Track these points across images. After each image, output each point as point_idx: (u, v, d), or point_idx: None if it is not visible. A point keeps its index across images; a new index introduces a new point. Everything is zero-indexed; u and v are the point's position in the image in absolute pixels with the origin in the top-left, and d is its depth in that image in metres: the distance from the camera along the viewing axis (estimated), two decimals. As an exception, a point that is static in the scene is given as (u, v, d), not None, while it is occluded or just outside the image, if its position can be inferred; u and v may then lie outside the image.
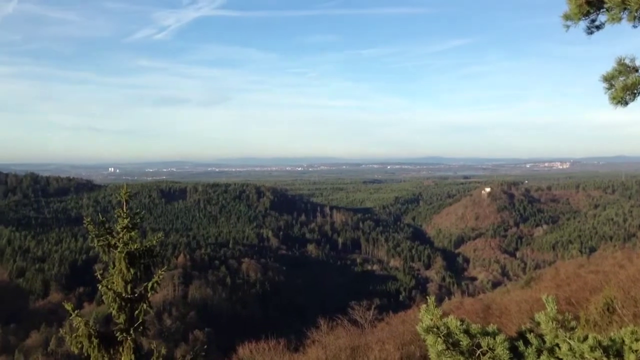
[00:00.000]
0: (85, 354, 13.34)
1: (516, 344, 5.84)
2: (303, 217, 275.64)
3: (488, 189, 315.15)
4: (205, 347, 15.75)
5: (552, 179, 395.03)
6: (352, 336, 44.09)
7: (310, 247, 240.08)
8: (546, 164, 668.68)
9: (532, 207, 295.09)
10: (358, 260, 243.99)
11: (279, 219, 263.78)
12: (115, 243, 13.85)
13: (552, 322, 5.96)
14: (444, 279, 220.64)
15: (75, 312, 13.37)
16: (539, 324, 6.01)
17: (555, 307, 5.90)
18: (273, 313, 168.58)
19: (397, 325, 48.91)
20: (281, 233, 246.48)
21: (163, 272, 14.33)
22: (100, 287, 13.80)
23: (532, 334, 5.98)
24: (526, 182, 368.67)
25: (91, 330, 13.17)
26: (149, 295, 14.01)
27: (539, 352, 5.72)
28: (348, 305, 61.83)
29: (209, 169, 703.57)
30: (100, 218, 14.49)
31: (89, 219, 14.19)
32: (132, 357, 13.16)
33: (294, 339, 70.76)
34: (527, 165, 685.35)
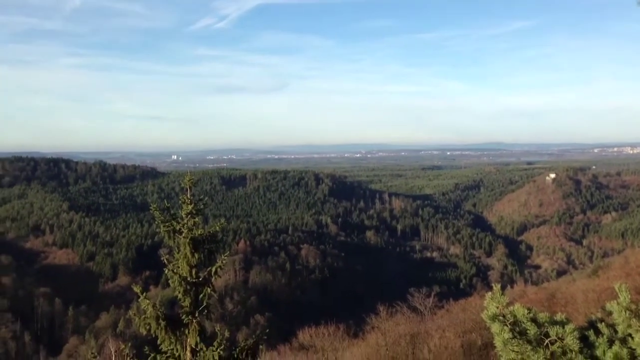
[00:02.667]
0: (153, 335, 13.80)
1: (586, 333, 5.66)
2: (362, 204, 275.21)
3: (553, 175, 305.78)
4: (267, 330, 15.99)
5: (622, 165, 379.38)
6: (412, 323, 43.87)
7: (369, 234, 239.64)
8: (615, 149, 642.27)
9: (600, 194, 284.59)
10: (417, 247, 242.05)
11: (338, 206, 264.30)
12: (180, 229, 14.22)
13: (625, 312, 5.75)
14: (505, 266, 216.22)
15: (143, 294, 13.82)
16: (610, 313, 5.80)
17: (629, 296, 5.68)
18: (332, 299, 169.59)
19: (458, 313, 48.32)
20: (340, 220, 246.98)
21: (226, 257, 14.62)
22: (166, 271, 14.20)
23: (603, 323, 5.78)
24: (594, 167, 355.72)
25: (158, 312, 13.60)
26: (212, 279, 14.34)
27: (611, 342, 5.53)
28: (407, 292, 61.54)
29: (268, 156, 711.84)
30: (166, 204, 14.90)
31: (155, 206, 14.60)
32: (198, 339, 13.52)
33: (353, 325, 71.04)
34: (595, 150, 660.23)
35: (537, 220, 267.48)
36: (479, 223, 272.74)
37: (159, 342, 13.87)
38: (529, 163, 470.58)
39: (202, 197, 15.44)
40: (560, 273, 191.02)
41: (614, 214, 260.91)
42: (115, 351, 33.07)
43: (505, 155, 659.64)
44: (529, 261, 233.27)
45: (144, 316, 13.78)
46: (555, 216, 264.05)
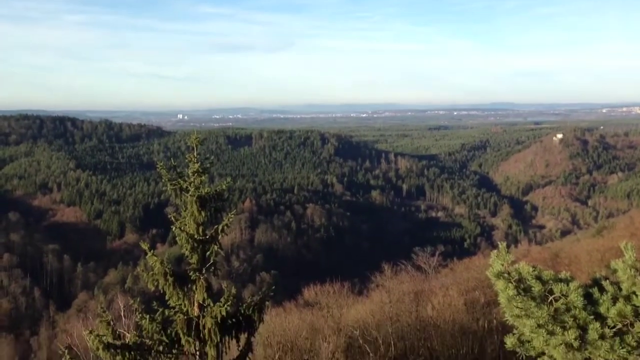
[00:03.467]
0: (161, 291, 14.03)
1: (590, 291, 5.71)
2: (367, 164, 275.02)
3: (560, 135, 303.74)
4: (273, 287, 16.20)
5: (630, 125, 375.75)
6: (416, 281, 44.23)
7: (375, 194, 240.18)
8: (624, 109, 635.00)
9: (607, 154, 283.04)
10: (422, 207, 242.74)
11: (344, 166, 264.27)
12: (186, 187, 14.29)
13: (630, 270, 5.78)
14: (510, 226, 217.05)
15: (151, 251, 13.99)
16: (615, 271, 5.84)
17: (634, 254, 5.70)
18: (337, 257, 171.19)
19: (462, 272, 48.74)
20: (345, 179, 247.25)
21: (232, 216, 14.72)
22: (173, 229, 14.34)
23: (607, 281, 5.82)
24: (601, 128, 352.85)
25: (166, 269, 13.79)
26: (219, 237, 14.47)
27: (615, 299, 5.58)
28: (412, 251, 61.91)
29: (273, 116, 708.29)
30: (172, 163, 14.94)
31: (162, 164, 14.64)
32: (205, 295, 13.74)
33: (358, 283, 71.81)
34: (603, 111, 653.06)
35: (543, 181, 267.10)
36: (485, 183, 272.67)
37: (167, 297, 14.10)
38: (536, 123, 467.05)
39: (208, 156, 15.47)
40: (565, 233, 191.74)
41: (620, 174, 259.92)
42: (124, 306, 33.62)
43: (513, 116, 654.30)
44: (533, 221, 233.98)
45: (152, 272, 13.97)
46: (561, 176, 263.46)
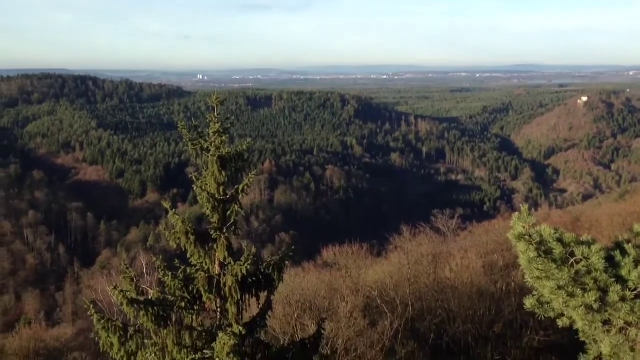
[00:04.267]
0: (183, 249, 14.24)
1: (612, 253, 5.69)
2: (387, 126, 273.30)
3: (585, 98, 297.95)
4: (293, 247, 16.37)
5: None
6: (435, 244, 44.33)
7: (394, 156, 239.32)
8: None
9: (633, 118, 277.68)
10: (442, 170, 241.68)
11: (363, 128, 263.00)
12: (207, 147, 14.33)
13: (654, 233, 5.73)
14: (531, 190, 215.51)
15: (173, 210, 14.16)
16: (638, 234, 5.80)
17: (658, 218, 5.64)
18: (356, 219, 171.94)
19: (481, 235, 48.67)
20: (365, 141, 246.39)
21: (253, 176, 14.79)
22: (195, 188, 14.46)
23: (630, 244, 5.78)
24: (628, 90, 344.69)
25: (188, 227, 13.96)
26: (239, 197, 14.58)
27: (637, 262, 5.56)
28: (431, 214, 61.88)
29: (294, 77, 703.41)
30: (193, 123, 14.97)
31: (183, 124, 14.67)
32: (226, 253, 13.92)
33: (377, 245, 72.16)
34: (630, 73, 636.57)
35: (566, 144, 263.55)
36: (506, 146, 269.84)
37: (188, 255, 14.31)
38: (561, 85, 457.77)
39: (228, 116, 15.45)
40: (587, 197, 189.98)
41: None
42: (147, 264, 34.27)
43: (537, 78, 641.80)
44: (554, 185, 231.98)
45: (173, 231, 14.16)
46: (585, 140, 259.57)
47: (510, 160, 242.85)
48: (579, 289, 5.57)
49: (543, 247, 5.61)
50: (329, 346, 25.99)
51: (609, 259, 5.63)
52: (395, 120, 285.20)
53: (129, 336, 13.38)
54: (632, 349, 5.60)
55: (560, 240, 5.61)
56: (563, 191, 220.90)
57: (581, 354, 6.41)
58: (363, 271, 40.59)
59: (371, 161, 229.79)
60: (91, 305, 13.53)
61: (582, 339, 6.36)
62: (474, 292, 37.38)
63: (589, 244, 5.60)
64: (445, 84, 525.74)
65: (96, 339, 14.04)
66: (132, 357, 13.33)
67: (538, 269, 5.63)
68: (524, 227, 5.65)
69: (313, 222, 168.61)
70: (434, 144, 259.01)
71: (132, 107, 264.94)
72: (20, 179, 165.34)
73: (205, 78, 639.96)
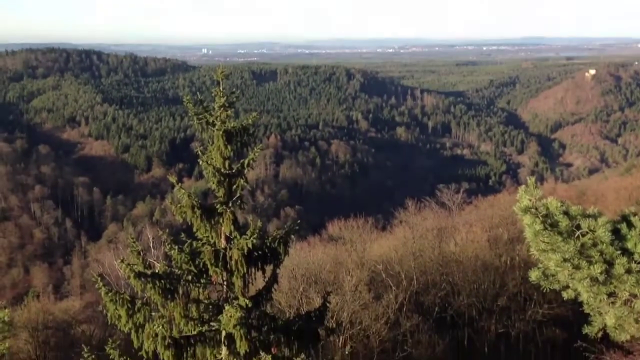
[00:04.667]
0: (189, 223, 14.31)
1: (618, 226, 5.69)
2: (393, 100, 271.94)
3: (592, 71, 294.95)
4: (298, 221, 16.42)
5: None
6: (440, 218, 44.49)
7: (400, 131, 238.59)
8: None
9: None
10: (448, 144, 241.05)
11: (369, 102, 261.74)
12: (213, 121, 14.30)
13: (660, 207, 5.70)
14: (537, 164, 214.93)
15: (179, 184, 14.20)
16: (644, 207, 5.79)
17: (665, 191, 5.63)
18: (361, 193, 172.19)
19: (486, 209, 48.75)
20: (370, 116, 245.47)
21: (258, 150, 14.78)
22: (200, 163, 14.46)
23: (636, 217, 5.78)
24: (636, 63, 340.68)
25: (194, 201, 14.00)
26: (245, 171, 14.59)
27: (643, 235, 5.56)
28: (436, 188, 61.99)
29: (299, 51, 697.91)
30: (199, 97, 14.92)
31: (188, 98, 14.62)
32: (232, 227, 13.97)
33: (382, 219, 72.49)
34: (639, 45, 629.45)
35: (573, 118, 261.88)
36: (512, 120, 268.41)
37: (194, 229, 14.38)
38: (569, 58, 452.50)
39: (234, 90, 15.38)
40: (593, 171, 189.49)
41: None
42: (153, 238, 34.53)
43: (544, 51, 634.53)
44: (561, 159, 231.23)
45: (180, 205, 14.21)
46: (592, 114, 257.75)
47: (517, 134, 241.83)
48: (584, 262, 5.60)
49: (549, 220, 5.62)
50: (334, 319, 26.26)
51: (615, 232, 5.64)
52: (400, 94, 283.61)
53: (136, 309, 13.52)
54: (637, 321, 5.65)
55: (566, 213, 5.62)
56: (569, 165, 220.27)
57: (585, 325, 6.47)
58: (368, 245, 40.81)
59: (376, 135, 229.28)
60: (99, 279, 13.67)
61: (587, 311, 6.41)
62: (479, 266, 37.61)
63: (595, 217, 5.61)
64: (451, 57, 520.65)
65: (104, 311, 14.20)
66: (140, 329, 13.48)
67: (544, 242, 5.65)
68: (530, 200, 5.65)
69: (318, 197, 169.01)
70: (439, 118, 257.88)
71: (136, 82, 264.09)
72: (26, 153, 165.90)
73: (210, 52, 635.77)
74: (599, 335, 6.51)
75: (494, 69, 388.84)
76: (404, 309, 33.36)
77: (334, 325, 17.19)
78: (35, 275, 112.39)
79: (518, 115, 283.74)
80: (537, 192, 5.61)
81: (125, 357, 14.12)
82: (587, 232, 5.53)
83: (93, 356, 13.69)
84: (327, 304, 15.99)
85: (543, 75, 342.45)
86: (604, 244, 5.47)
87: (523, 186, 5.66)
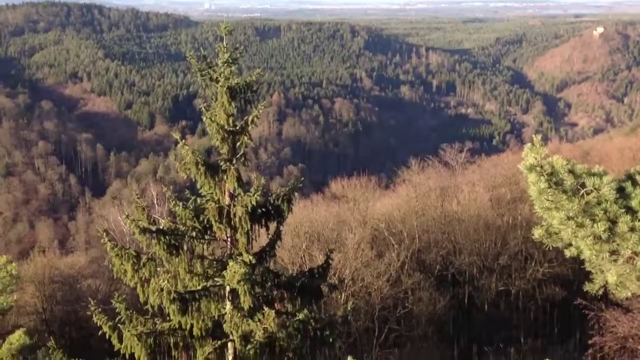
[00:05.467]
0: (193, 180, 14.35)
1: (623, 185, 5.70)
2: (397, 58, 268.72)
3: (600, 29, 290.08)
4: (302, 179, 16.46)
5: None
6: (443, 177, 44.52)
7: (404, 89, 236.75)
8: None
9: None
10: (452, 103, 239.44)
11: (373, 60, 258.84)
12: (216, 77, 14.18)
13: (665, 166, 5.70)
14: (541, 124, 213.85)
15: (183, 140, 14.19)
16: (650, 166, 5.78)
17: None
18: (364, 152, 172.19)
19: (489, 169, 48.67)
20: (374, 74, 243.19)
21: (262, 107, 14.71)
22: (203, 119, 14.41)
23: (641, 176, 5.78)
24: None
25: (198, 158, 14.00)
26: (249, 128, 14.54)
27: (648, 193, 5.57)
28: (440, 148, 61.77)
29: (302, 6, 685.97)
30: (202, 53, 14.77)
31: (191, 53, 14.47)
32: (236, 184, 14.00)
33: (385, 178, 72.61)
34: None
35: (579, 77, 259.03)
36: (518, 79, 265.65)
37: (198, 186, 14.44)
38: (577, 16, 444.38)
39: (237, 46, 15.21)
40: (598, 131, 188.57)
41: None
42: (157, 195, 34.68)
43: (552, 8, 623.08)
44: (565, 119, 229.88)
45: (183, 162, 14.23)
46: (599, 72, 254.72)
47: (522, 93, 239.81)
48: (588, 220, 5.63)
49: (554, 178, 5.62)
50: (336, 276, 26.59)
51: (620, 190, 5.65)
52: (405, 52, 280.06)
53: (141, 264, 13.69)
54: (638, 278, 5.72)
55: (571, 172, 5.62)
56: (574, 125, 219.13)
57: (586, 283, 6.54)
58: (371, 204, 40.97)
59: (380, 94, 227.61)
60: (104, 234, 13.80)
61: (588, 269, 6.48)
62: (481, 225, 37.83)
63: (600, 176, 5.61)
64: (457, 14, 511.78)
65: (110, 266, 14.40)
66: (146, 284, 13.68)
67: (548, 200, 5.67)
68: (535, 158, 5.65)
69: (321, 155, 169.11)
70: (444, 77, 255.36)
71: (138, 37, 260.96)
72: (29, 109, 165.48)
73: (213, 7, 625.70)
74: (600, 292, 6.60)
75: (501, 27, 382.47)
76: (406, 267, 33.71)
77: (336, 282, 17.42)
78: (41, 230, 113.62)
79: (524, 74, 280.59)
80: (543, 150, 5.60)
81: (131, 311, 14.39)
82: (592, 191, 5.54)
83: (99, 309, 13.92)
84: (330, 261, 16.16)
85: (550, 33, 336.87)
86: (609, 202, 5.49)
87: (528, 144, 5.64)
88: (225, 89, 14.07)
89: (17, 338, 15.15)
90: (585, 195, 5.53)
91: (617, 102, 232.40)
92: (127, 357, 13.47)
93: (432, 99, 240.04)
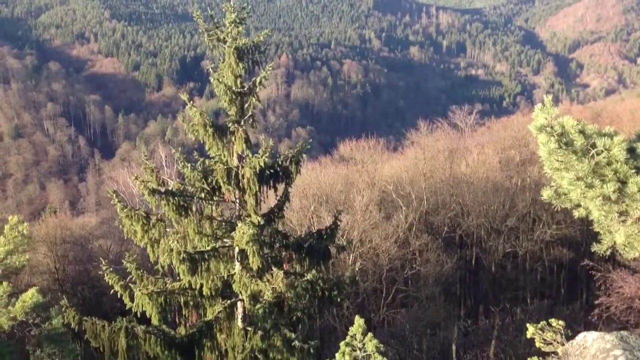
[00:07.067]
0: (201, 141, 14.32)
1: (634, 145, 5.65)
2: (407, 18, 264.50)
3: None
4: (310, 141, 16.43)
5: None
6: (452, 139, 44.34)
7: (413, 50, 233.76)
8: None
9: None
10: (462, 65, 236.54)
11: (382, 20, 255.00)
12: (224, 38, 14.01)
13: (677, 127, 5.62)
14: (552, 85, 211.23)
15: (190, 102, 14.11)
16: (662, 128, 5.70)
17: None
18: (373, 114, 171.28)
19: (498, 131, 48.32)
20: (383, 34, 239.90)
21: (270, 68, 14.55)
22: (211, 80, 14.30)
23: (653, 136, 5.72)
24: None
25: (206, 119, 13.95)
26: (257, 89, 14.43)
27: (660, 153, 5.52)
28: (449, 110, 61.34)
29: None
30: (209, 12, 14.56)
31: (198, 13, 14.27)
32: (244, 146, 13.97)
33: (394, 140, 72.39)
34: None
35: (592, 37, 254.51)
36: (530, 40, 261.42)
37: (207, 148, 14.42)
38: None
39: (245, 5, 14.97)
40: (609, 92, 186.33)
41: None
42: (166, 156, 34.80)
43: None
44: (577, 80, 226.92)
45: (192, 123, 14.19)
46: (612, 32, 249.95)
47: (533, 54, 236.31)
48: (598, 180, 5.60)
49: (564, 139, 5.57)
50: (344, 237, 26.73)
51: (631, 151, 5.60)
52: (415, 12, 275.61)
53: (151, 224, 13.80)
54: (647, 239, 5.74)
55: (582, 132, 5.56)
56: (586, 86, 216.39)
57: (594, 244, 6.55)
58: (379, 166, 40.95)
59: (389, 55, 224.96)
60: (114, 195, 13.88)
61: (597, 230, 6.48)
62: (489, 187, 37.80)
63: (611, 136, 5.55)
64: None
65: (120, 227, 14.54)
66: (155, 244, 13.82)
67: (558, 161, 5.62)
68: (546, 119, 5.58)
69: (330, 117, 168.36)
70: (454, 37, 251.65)
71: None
72: (36, 70, 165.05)
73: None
74: (607, 254, 6.61)
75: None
76: (414, 229, 33.87)
77: (345, 244, 17.54)
78: (51, 191, 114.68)
79: (536, 34, 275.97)
80: (554, 110, 5.53)
81: (141, 271, 14.59)
82: (602, 151, 5.49)
83: (111, 269, 14.11)
84: (338, 223, 16.21)
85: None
86: (619, 163, 5.44)
87: (539, 104, 5.57)
88: (232, 49, 13.92)
89: (30, 296, 15.44)
90: (595, 155, 5.48)
91: (630, 63, 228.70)
92: (138, 315, 13.71)
93: (441, 60, 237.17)
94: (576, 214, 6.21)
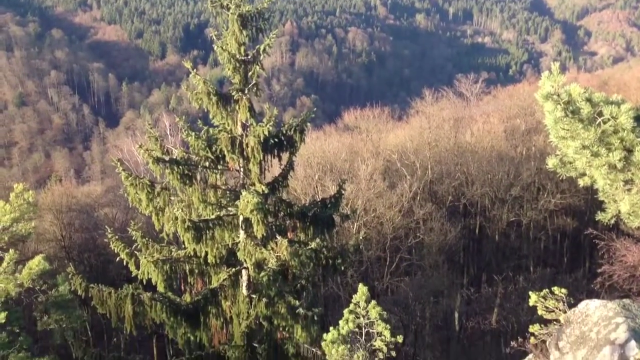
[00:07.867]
0: (205, 110, 14.26)
1: (641, 113, 5.60)
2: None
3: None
4: (314, 110, 16.36)
5: None
6: (457, 108, 44.14)
7: (419, 17, 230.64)
8: None
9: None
10: (468, 32, 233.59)
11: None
12: (227, 4, 13.85)
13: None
14: (560, 53, 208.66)
15: (194, 70, 14.02)
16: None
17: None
18: (378, 83, 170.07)
19: (504, 100, 48.01)
20: (389, 2, 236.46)
21: (274, 36, 14.41)
22: (215, 48, 14.17)
23: (661, 104, 5.66)
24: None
25: (210, 88, 13.87)
26: (261, 57, 14.31)
27: (668, 117, 5.47)
28: (455, 78, 60.89)
29: None
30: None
31: (201, -21, 14.16)
32: (248, 114, 13.93)
33: (398, 109, 71.98)
34: None
35: (601, 4, 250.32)
36: (537, 6, 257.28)
37: (211, 116, 14.39)
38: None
39: (247, -30, 14.74)
40: (617, 60, 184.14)
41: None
42: (170, 125, 34.73)
43: None
44: (585, 47, 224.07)
45: (195, 92, 14.14)
46: None
47: (541, 21, 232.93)
48: (603, 149, 5.57)
49: (571, 107, 5.52)
50: (349, 206, 26.82)
51: (637, 119, 5.56)
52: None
53: (156, 193, 13.83)
54: (652, 208, 5.73)
55: (589, 100, 5.51)
56: (593, 54, 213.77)
57: (599, 212, 6.55)
58: (384, 135, 40.88)
59: (395, 23, 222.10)
60: (118, 163, 13.89)
61: (601, 199, 6.47)
62: (494, 156, 37.73)
63: (618, 104, 5.50)
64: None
65: (125, 195, 14.59)
66: (160, 213, 13.87)
67: (564, 129, 5.59)
68: (552, 87, 5.52)
69: (334, 86, 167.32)
70: (461, 4, 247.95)
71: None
72: (39, 37, 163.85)
73: None
74: (611, 222, 6.62)
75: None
76: (418, 198, 33.92)
77: (349, 212, 17.57)
78: (56, 160, 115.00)
79: (543, 1, 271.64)
80: (560, 78, 5.46)
81: (147, 239, 14.69)
82: (609, 119, 5.44)
83: (117, 237, 14.21)
84: (342, 192, 16.23)
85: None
86: (625, 131, 5.40)
87: (546, 72, 5.50)
88: (236, 16, 13.78)
89: (37, 263, 15.58)
90: (602, 124, 5.44)
91: (639, 31, 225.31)
92: (144, 282, 13.86)
93: (448, 27, 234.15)
94: (581, 182, 6.20)
